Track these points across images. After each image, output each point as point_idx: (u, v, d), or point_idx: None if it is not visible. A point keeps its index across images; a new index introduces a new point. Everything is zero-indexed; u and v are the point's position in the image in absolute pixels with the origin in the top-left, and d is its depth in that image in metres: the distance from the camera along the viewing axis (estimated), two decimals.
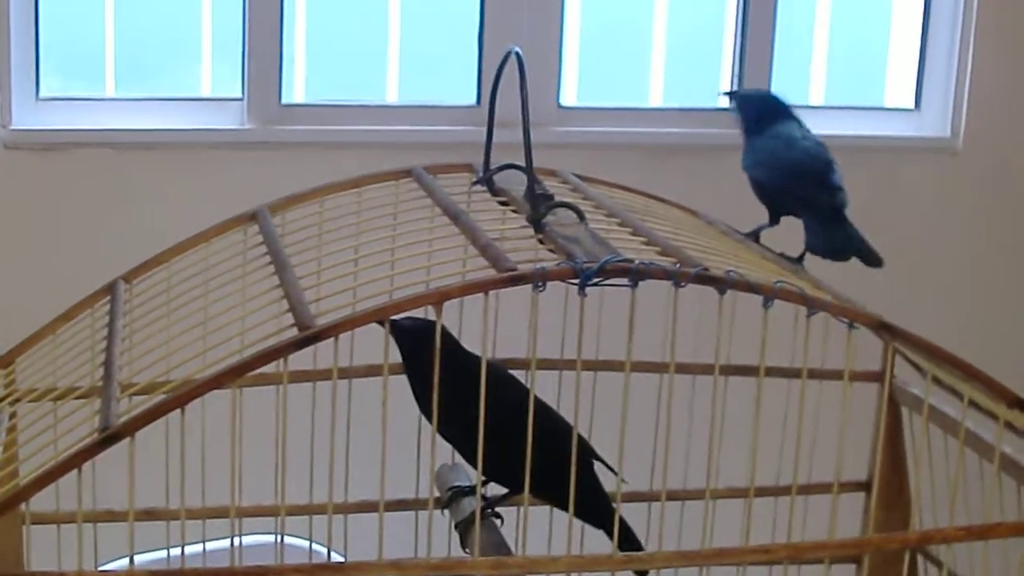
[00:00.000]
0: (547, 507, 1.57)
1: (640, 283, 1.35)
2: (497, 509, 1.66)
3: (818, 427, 1.54)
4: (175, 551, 1.61)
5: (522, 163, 1.51)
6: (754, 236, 1.85)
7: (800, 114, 1.98)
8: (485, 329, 1.39)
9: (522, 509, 1.49)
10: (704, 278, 1.37)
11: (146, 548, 1.66)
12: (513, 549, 1.58)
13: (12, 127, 2.86)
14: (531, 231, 1.47)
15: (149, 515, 1.67)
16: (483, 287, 1.33)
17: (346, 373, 1.70)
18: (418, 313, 1.39)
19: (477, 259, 1.41)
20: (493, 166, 1.70)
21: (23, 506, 1.30)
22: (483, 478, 1.59)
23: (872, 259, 1.85)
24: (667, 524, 1.52)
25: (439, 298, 1.32)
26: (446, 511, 1.73)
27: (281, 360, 1.30)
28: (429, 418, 1.40)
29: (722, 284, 1.37)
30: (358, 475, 1.61)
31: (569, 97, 3.20)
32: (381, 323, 1.33)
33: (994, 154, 3.33)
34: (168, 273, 1.68)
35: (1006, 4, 3.28)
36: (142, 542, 1.41)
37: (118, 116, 2.96)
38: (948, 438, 1.64)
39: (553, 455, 1.44)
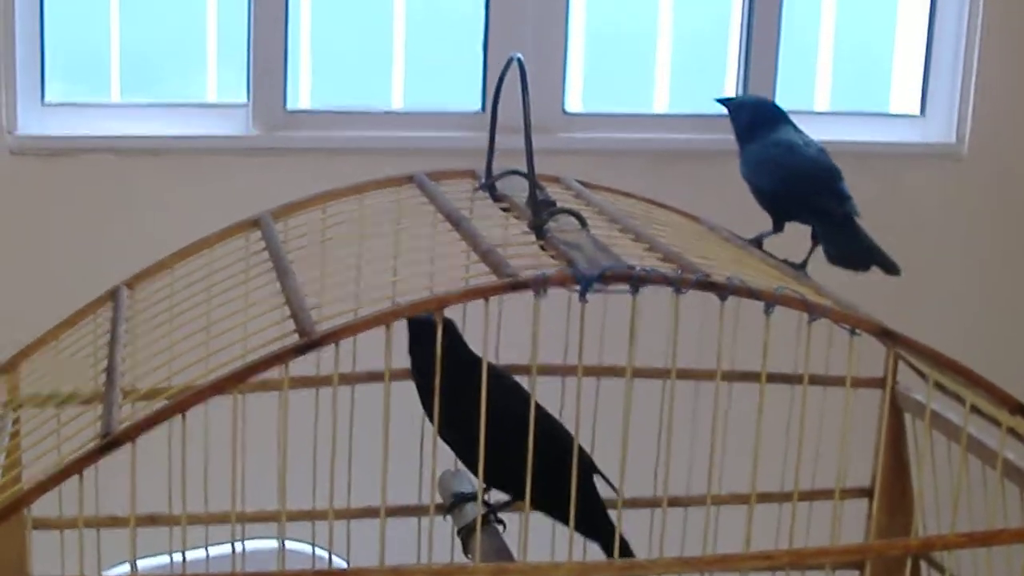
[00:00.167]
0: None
1: (642, 289, 1.35)
2: (500, 515, 1.66)
3: (822, 433, 1.54)
4: (178, 556, 1.61)
5: (525, 169, 1.51)
6: (757, 242, 1.85)
7: (805, 120, 1.98)
8: (486, 335, 1.39)
9: (524, 515, 1.49)
10: (705, 284, 1.37)
11: (151, 554, 1.67)
12: (515, 555, 1.58)
13: (17, 133, 2.86)
14: (533, 237, 1.47)
15: (152, 520, 1.67)
16: (483, 293, 1.33)
17: (348, 379, 1.70)
18: None
19: (478, 265, 1.41)
20: (496, 172, 1.70)
21: (25, 511, 1.30)
22: (484, 485, 1.60)
23: (891, 267, 1.84)
24: (671, 530, 1.52)
25: (439, 304, 1.32)
26: (449, 517, 1.73)
27: (283, 366, 1.31)
28: (431, 416, 1.40)
29: (723, 290, 1.37)
30: (362, 481, 1.61)
31: (574, 103, 3.20)
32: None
33: (999, 160, 3.33)
34: (171, 279, 1.69)
35: (1012, 10, 3.28)
36: (147, 548, 1.41)
37: (123, 122, 2.97)
38: (951, 444, 1.64)
39: (553, 468, 1.44)
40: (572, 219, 1.52)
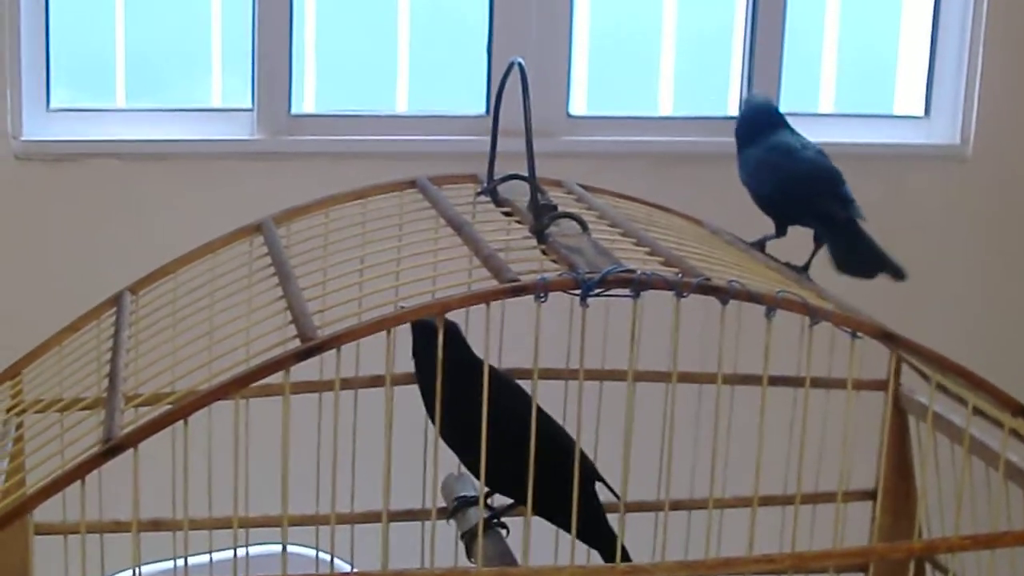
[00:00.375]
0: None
1: (645, 293, 1.35)
2: (503, 519, 1.66)
3: (825, 436, 1.54)
4: (181, 562, 1.62)
5: (527, 173, 1.51)
6: (759, 245, 1.85)
7: (809, 122, 1.98)
8: (488, 340, 1.39)
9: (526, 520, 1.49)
10: (706, 288, 1.37)
11: (157, 559, 1.67)
12: (518, 559, 1.58)
13: (23, 138, 2.87)
14: (534, 242, 1.48)
15: (156, 525, 1.68)
16: (484, 298, 1.33)
17: (351, 384, 1.70)
18: None
19: (480, 270, 1.41)
20: (498, 176, 1.71)
21: (27, 517, 1.30)
22: (487, 489, 1.60)
23: (898, 273, 1.84)
24: (674, 534, 1.52)
25: (440, 309, 1.32)
26: (452, 521, 1.73)
27: (285, 371, 1.31)
28: (434, 418, 1.40)
29: (724, 294, 1.37)
30: (367, 485, 1.61)
31: (578, 106, 3.20)
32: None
33: (1003, 162, 3.33)
34: (174, 284, 1.69)
35: (1016, 11, 3.28)
36: (151, 553, 1.42)
37: (128, 127, 2.97)
38: (955, 446, 1.64)
39: (554, 473, 1.45)
40: (573, 223, 1.52)
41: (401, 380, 1.61)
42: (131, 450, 1.29)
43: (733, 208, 2.00)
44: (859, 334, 1.42)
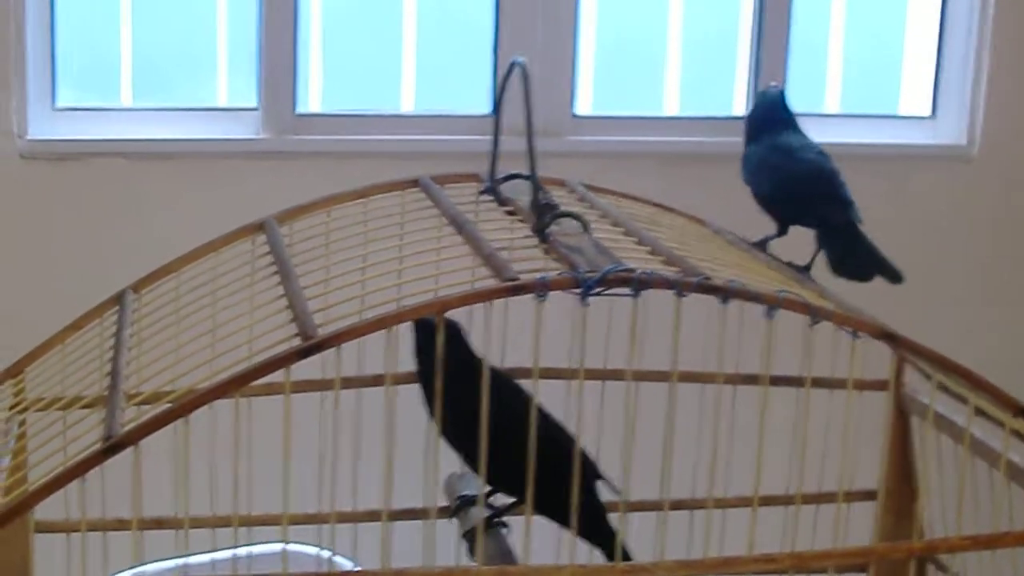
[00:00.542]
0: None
1: (647, 293, 1.35)
2: (505, 518, 1.66)
3: (828, 436, 1.54)
4: (183, 560, 1.62)
5: (528, 172, 1.51)
6: (762, 245, 1.84)
7: (815, 122, 1.97)
8: (488, 338, 1.40)
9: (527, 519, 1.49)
10: (706, 287, 1.37)
11: (161, 557, 1.68)
12: (520, 558, 1.58)
13: (28, 137, 2.87)
14: (536, 241, 1.48)
15: (158, 524, 1.68)
16: (485, 297, 1.34)
17: (353, 382, 1.71)
18: None
19: (481, 269, 1.41)
20: (500, 176, 1.71)
21: (28, 514, 1.31)
22: (488, 487, 1.60)
23: (894, 275, 1.84)
24: (675, 534, 1.52)
25: (440, 308, 1.32)
26: (454, 519, 1.73)
27: (286, 369, 1.31)
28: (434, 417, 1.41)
29: (724, 293, 1.37)
30: (369, 483, 1.61)
31: (584, 106, 3.20)
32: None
33: (1009, 162, 3.33)
34: (176, 283, 1.69)
35: (1023, 11, 3.27)
36: (153, 551, 1.42)
37: (134, 126, 2.98)
38: (957, 446, 1.64)
39: (555, 472, 1.45)
40: (575, 222, 1.52)
41: (403, 379, 1.61)
42: (132, 448, 1.29)
43: (739, 208, 2.00)
44: (860, 334, 1.42)
